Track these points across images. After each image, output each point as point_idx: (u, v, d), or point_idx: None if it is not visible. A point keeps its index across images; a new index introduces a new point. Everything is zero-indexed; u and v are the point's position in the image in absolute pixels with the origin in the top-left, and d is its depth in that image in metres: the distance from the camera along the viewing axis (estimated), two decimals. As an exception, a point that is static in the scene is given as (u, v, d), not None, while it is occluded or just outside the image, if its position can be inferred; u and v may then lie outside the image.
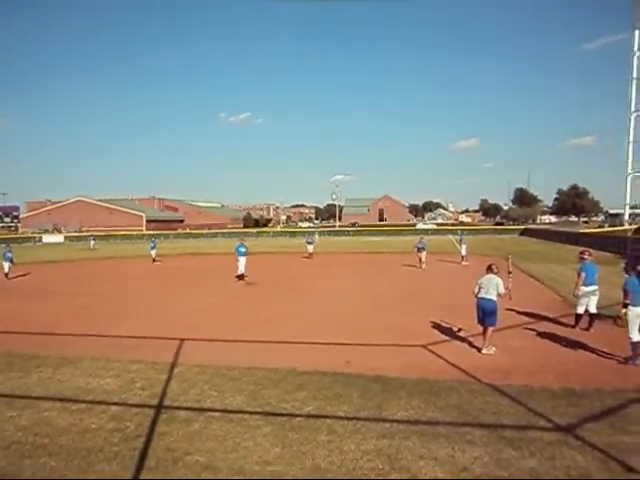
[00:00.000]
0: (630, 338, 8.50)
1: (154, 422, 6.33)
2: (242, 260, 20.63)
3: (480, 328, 9.67)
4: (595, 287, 10.89)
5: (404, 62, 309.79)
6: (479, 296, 9.52)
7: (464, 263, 26.81)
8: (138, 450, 5.52)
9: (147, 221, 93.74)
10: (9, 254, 24.65)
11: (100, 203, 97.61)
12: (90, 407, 6.88)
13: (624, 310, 8.68)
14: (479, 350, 9.43)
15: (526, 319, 12.30)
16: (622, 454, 5.17)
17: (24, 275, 25.27)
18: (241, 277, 20.50)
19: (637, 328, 8.43)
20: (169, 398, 7.18)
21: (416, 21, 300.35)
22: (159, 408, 6.81)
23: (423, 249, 25.52)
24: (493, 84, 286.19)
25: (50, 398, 7.25)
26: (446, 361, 8.84)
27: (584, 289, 10.85)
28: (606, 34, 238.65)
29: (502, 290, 9.42)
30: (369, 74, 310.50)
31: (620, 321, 9.40)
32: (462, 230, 43.28)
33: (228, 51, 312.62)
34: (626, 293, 8.64)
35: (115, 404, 6.97)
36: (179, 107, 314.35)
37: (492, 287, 9.38)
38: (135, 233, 73.58)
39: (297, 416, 6.43)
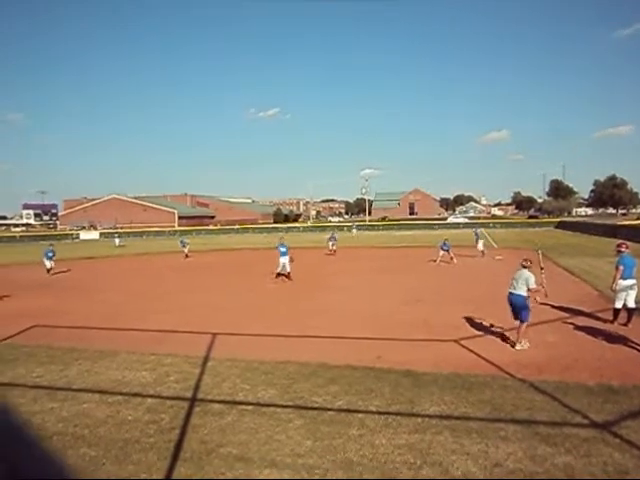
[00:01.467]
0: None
1: (188, 414, 6.46)
2: (284, 259, 20.32)
3: (515, 323, 9.50)
4: (634, 281, 10.51)
5: (434, 58, 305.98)
6: (509, 291, 9.44)
7: (498, 257, 26.36)
8: (173, 442, 5.65)
9: (179, 217, 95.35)
10: (50, 253, 25.55)
11: (134, 200, 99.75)
12: (127, 399, 7.06)
13: None
14: (512, 345, 9.28)
15: (561, 314, 12.04)
16: (662, 452, 5.03)
17: (65, 271, 25.99)
18: (281, 275, 20.34)
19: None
20: (202, 391, 7.32)
21: (446, 19, 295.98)
22: (193, 401, 6.94)
23: (447, 250, 25.15)
24: (524, 74, 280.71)
25: (89, 390, 7.48)
26: (478, 356, 8.73)
27: (622, 283, 10.49)
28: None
29: (532, 285, 9.11)
30: (398, 70, 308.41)
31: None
32: (477, 225, 42.42)
33: (257, 47, 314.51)
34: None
35: (150, 396, 7.15)
36: (210, 104, 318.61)
37: (522, 281, 9.20)
38: (167, 229, 74.87)
39: (328, 410, 6.47)
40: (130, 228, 76.87)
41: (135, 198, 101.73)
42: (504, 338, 9.88)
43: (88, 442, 5.71)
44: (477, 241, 27.91)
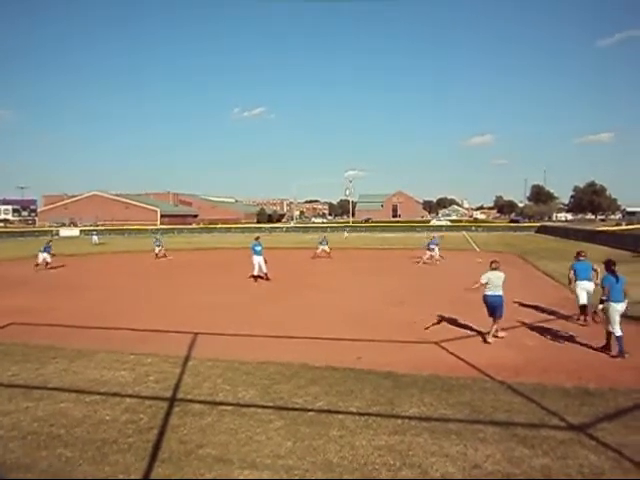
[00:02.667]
0: (613, 333, 8.89)
1: (167, 415, 6.40)
2: (258, 259, 19.57)
3: (490, 322, 9.99)
4: (588, 283, 11.58)
5: (418, 59, 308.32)
6: (489, 293, 9.87)
7: (479, 260, 26.60)
8: (151, 442, 5.59)
9: (161, 216, 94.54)
10: (49, 248, 25.74)
11: (115, 197, 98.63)
12: (104, 399, 6.97)
13: (601, 306, 9.19)
14: (485, 340, 9.96)
15: (540, 317, 12.20)
16: (636, 454, 5.12)
17: (60, 266, 25.40)
18: (257, 277, 19.39)
19: (618, 322, 8.86)
20: (182, 391, 7.25)
21: (430, 19, 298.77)
22: (172, 401, 6.88)
23: (433, 248, 25.32)
24: (507, 80, 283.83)
25: (66, 389, 7.36)
26: (458, 358, 8.81)
27: (579, 283, 11.63)
28: (624, 29, 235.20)
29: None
30: (383, 70, 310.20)
31: (597, 317, 9.91)
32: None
33: (242, 46, 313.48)
34: (604, 290, 9.16)
35: (129, 396, 7.06)
36: (194, 102, 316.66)
37: (500, 282, 9.86)
38: (149, 228, 74.15)
39: (309, 411, 6.46)
40: (111, 225, 75.96)
41: (117, 195, 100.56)
42: (483, 340, 9.98)
43: (64, 442, 5.61)
44: (429, 247, 26.59)
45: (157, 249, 31.32)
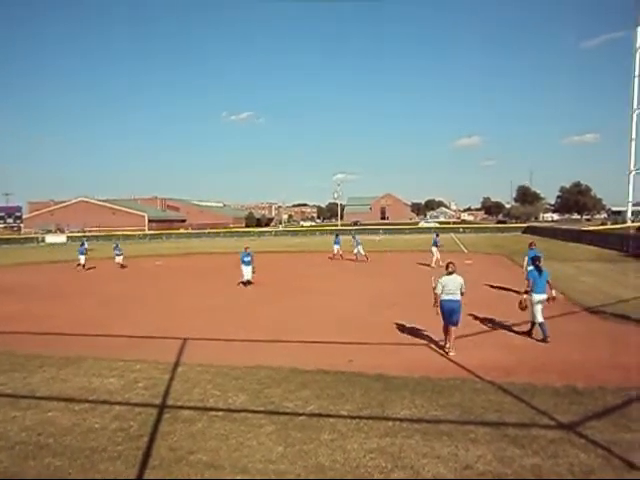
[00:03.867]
0: (536, 320, 10.21)
1: (157, 421, 6.34)
2: (247, 270, 19.67)
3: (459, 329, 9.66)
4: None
5: (405, 60, 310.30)
6: (445, 298, 9.37)
7: (467, 262, 26.77)
8: (142, 449, 5.54)
9: (149, 221, 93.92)
10: (83, 249, 28.65)
11: (103, 203, 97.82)
12: (93, 407, 6.90)
13: (525, 296, 10.36)
14: (447, 352, 9.28)
15: (527, 317, 12.26)
16: (625, 452, 5.17)
17: (92, 268, 25.25)
18: (245, 283, 19.61)
19: (540, 311, 10.15)
20: (172, 398, 7.20)
21: (417, 20, 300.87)
22: (162, 408, 6.83)
23: (436, 245, 25.54)
24: (494, 82, 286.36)
25: (54, 398, 7.28)
26: (449, 359, 8.85)
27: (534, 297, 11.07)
28: (607, 31, 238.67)
29: (464, 289, 9.44)
30: (370, 73, 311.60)
31: (521, 305, 10.40)
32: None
33: (229, 50, 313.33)
34: (528, 282, 10.47)
35: (118, 404, 6.99)
36: (181, 107, 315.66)
37: (457, 287, 9.35)
38: (137, 233, 73.63)
39: (300, 415, 6.44)
40: (99, 232, 75.26)
41: (104, 201, 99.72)
42: (473, 342, 10.02)
43: (53, 451, 5.54)
44: (356, 246, 29.36)
45: (117, 258, 29.13)
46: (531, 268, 10.81)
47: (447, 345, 9.41)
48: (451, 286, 9.35)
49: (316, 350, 9.79)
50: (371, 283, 19.69)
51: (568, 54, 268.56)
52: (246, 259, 19.57)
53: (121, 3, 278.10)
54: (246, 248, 20.25)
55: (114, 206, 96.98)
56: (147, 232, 78.41)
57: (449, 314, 9.34)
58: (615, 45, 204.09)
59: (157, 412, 6.66)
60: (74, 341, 10.92)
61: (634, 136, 59.35)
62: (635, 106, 59.19)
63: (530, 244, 15.80)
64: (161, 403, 6.99)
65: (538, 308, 10.15)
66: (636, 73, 59.06)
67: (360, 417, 6.33)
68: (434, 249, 25.30)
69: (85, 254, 28.62)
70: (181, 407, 6.84)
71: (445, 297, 9.36)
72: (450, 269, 9.52)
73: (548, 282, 10.33)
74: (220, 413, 6.59)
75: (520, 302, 10.44)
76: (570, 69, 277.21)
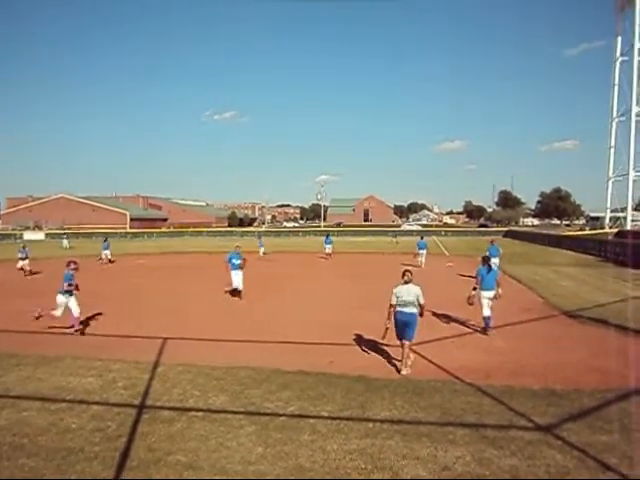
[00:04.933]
0: (483, 313, 10.97)
1: (136, 422, 6.27)
2: (237, 274, 16.40)
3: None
4: (496, 260, 13.04)
5: (389, 62, 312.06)
6: (398, 309, 8.39)
7: (449, 264, 27.03)
8: (119, 450, 5.47)
9: (131, 219, 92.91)
10: (106, 244, 30.51)
11: (83, 200, 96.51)
12: (70, 406, 6.78)
13: (474, 292, 11.03)
14: (399, 371, 8.41)
15: (508, 320, 12.41)
16: (600, 453, 5.26)
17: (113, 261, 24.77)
18: (234, 292, 16.39)
19: (486, 305, 10.92)
20: (151, 398, 7.12)
21: (401, 22, 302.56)
22: (141, 408, 6.75)
23: (423, 249, 25.84)
24: (477, 87, 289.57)
25: (29, 397, 7.14)
26: (429, 361, 8.90)
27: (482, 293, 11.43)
28: (589, 40, 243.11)
29: (423, 300, 8.39)
30: (354, 73, 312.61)
31: (469, 300, 11.02)
32: (445, 232, 43.17)
33: (213, 49, 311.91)
34: (476, 279, 11.17)
35: (96, 403, 6.89)
36: (164, 105, 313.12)
37: (412, 297, 8.33)
38: (119, 231, 72.76)
39: (280, 416, 6.43)
40: (79, 229, 74.18)
41: (85, 198, 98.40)
42: (454, 343, 10.11)
43: (27, 452, 5.44)
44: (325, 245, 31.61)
45: (21, 262, 24.53)
46: (480, 267, 11.34)
47: (404, 359, 8.44)
48: (406, 297, 8.32)
49: (297, 351, 9.77)
50: (351, 284, 19.72)
51: (550, 61, 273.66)
52: (236, 261, 16.03)
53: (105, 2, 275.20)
54: (237, 247, 16.93)
55: (95, 203, 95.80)
56: (129, 230, 77.56)
57: (402, 327, 8.41)
58: (595, 54, 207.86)
59: (136, 412, 6.58)
60: (51, 340, 10.74)
61: (613, 144, 60.63)
62: (614, 114, 60.45)
63: (491, 241, 19.17)
64: (140, 403, 6.91)
65: (484, 302, 10.96)
66: (616, 82, 60.36)
67: (340, 418, 6.33)
68: (422, 252, 25.61)
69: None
70: (160, 407, 6.77)
71: (399, 309, 8.39)
72: (405, 278, 8.53)
73: (497, 280, 11.10)
74: (200, 413, 6.54)
75: (468, 298, 11.09)
76: (552, 76, 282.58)
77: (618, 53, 60.15)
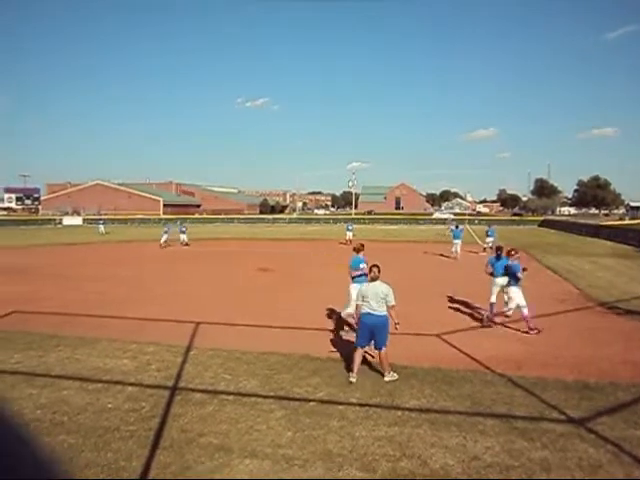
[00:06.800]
0: (490, 299, 11.33)
1: (169, 403, 6.44)
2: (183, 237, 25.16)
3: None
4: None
5: (423, 51, 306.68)
6: (366, 312, 7.36)
7: (482, 254, 26.66)
8: (153, 430, 5.63)
9: (164, 205, 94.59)
10: (183, 228, 33.43)
11: (118, 187, 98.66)
12: (107, 387, 7.01)
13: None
14: (382, 375, 7.45)
15: (542, 311, 12.18)
16: (635, 448, 5.15)
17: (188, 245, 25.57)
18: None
19: (494, 292, 11.35)
20: (184, 380, 7.29)
21: (432, 15, 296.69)
22: (174, 390, 6.92)
23: (458, 237, 25.27)
24: (511, 74, 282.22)
25: (68, 377, 7.41)
26: (460, 351, 8.82)
27: (496, 280, 11.44)
28: (629, 23, 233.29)
29: (393, 301, 7.41)
30: (387, 64, 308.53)
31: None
32: (487, 221, 42.44)
33: (246, 36, 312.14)
34: (487, 267, 11.75)
35: (131, 385, 7.10)
36: (196, 92, 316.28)
37: (380, 298, 7.35)
38: (152, 217, 74.18)
39: (310, 401, 6.50)
40: (114, 215, 75.95)
41: (120, 185, 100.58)
42: (485, 334, 9.99)
43: (67, 429, 5.66)
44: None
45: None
46: (490, 257, 12.11)
47: (353, 374, 7.30)
48: (372, 297, 7.34)
49: (327, 338, 9.82)
50: (383, 273, 19.62)
51: (589, 46, 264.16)
52: (361, 267, 9.90)
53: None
54: (360, 246, 10.62)
55: (130, 190, 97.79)
56: (162, 216, 79.00)
57: (369, 333, 7.34)
58: (634, 38, 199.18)
59: (169, 394, 6.76)
60: (89, 322, 11.08)
61: (656, 130, 58.23)
62: (658, 99, 57.98)
63: (489, 224, 19.70)
64: (173, 385, 7.09)
65: (494, 290, 11.39)
66: (660, 65, 57.77)
67: (369, 405, 6.36)
68: (457, 241, 25.17)
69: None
70: (192, 390, 6.93)
71: (367, 310, 7.35)
72: (372, 274, 7.62)
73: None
74: (231, 397, 6.67)
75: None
76: (589, 62, 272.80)
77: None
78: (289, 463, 4.91)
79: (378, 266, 7.70)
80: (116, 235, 44.47)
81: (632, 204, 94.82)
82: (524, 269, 10.55)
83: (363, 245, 10.57)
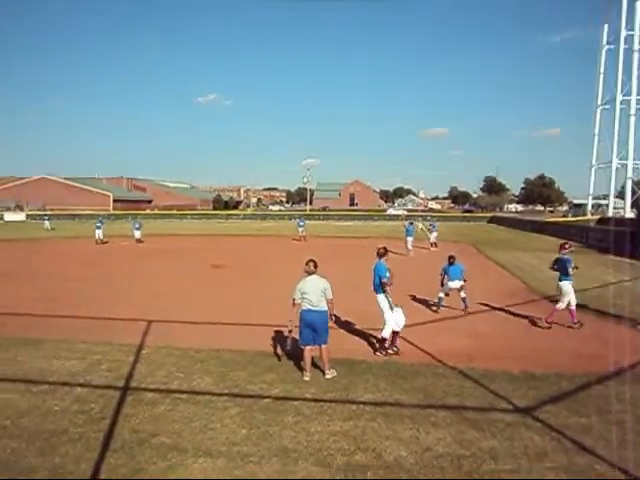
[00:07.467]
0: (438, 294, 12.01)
1: (120, 404, 6.27)
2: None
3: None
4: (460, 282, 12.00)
5: (376, 47, 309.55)
6: (306, 308, 7.26)
7: (433, 249, 27.23)
8: (103, 432, 5.47)
9: (114, 201, 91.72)
10: (137, 224, 32.37)
11: (65, 182, 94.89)
12: (53, 389, 6.75)
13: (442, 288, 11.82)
14: (323, 373, 7.34)
15: (491, 305, 12.58)
16: (577, 435, 5.39)
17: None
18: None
19: (445, 292, 12.00)
20: (135, 380, 7.12)
21: (392, 11, 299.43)
22: (125, 390, 6.74)
23: (411, 233, 25.69)
24: (464, 74, 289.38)
25: (11, 379, 7.09)
26: (412, 345, 8.98)
27: (448, 283, 12.04)
28: (574, 28, 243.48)
29: (330, 295, 7.30)
30: (340, 59, 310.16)
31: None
32: (432, 217, 43.29)
33: (197, 33, 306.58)
34: (442, 276, 12.09)
35: (80, 385, 6.87)
36: (148, 86, 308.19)
37: (319, 293, 7.23)
38: (102, 213, 71.85)
39: (265, 398, 6.47)
40: (61, 210, 73.10)
41: (67, 179, 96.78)
42: (437, 328, 10.21)
43: (9, 434, 5.41)
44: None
45: (98, 233, 29.05)
46: (444, 265, 12.24)
47: (307, 372, 7.25)
48: (311, 292, 7.22)
49: (282, 334, 9.79)
50: (335, 269, 19.74)
51: (536, 49, 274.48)
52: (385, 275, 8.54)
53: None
54: (384, 249, 8.84)
55: (77, 184, 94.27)
56: (112, 212, 76.67)
57: (310, 329, 7.21)
58: (581, 42, 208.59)
59: (120, 394, 6.58)
60: (34, 322, 10.65)
61: (597, 131, 61.11)
62: (599, 102, 60.83)
63: (431, 220, 19.58)
64: (124, 385, 6.91)
65: (445, 289, 12.07)
66: (601, 70, 60.64)
67: (324, 400, 6.39)
68: (410, 238, 25.60)
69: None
70: (144, 389, 6.77)
71: (307, 307, 7.24)
72: (307, 268, 7.44)
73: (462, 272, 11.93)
74: (184, 396, 6.56)
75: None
76: (537, 63, 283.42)
77: (604, 41, 60.35)
78: (244, 460, 4.87)
79: (314, 261, 7.56)
80: (63, 231, 42.87)
81: (575, 201, 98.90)
82: (575, 267, 10.43)
83: (386, 249, 8.73)
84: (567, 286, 10.29)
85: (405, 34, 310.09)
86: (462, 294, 11.94)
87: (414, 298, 13.35)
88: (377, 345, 8.59)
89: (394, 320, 8.30)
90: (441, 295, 12.14)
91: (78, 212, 70.42)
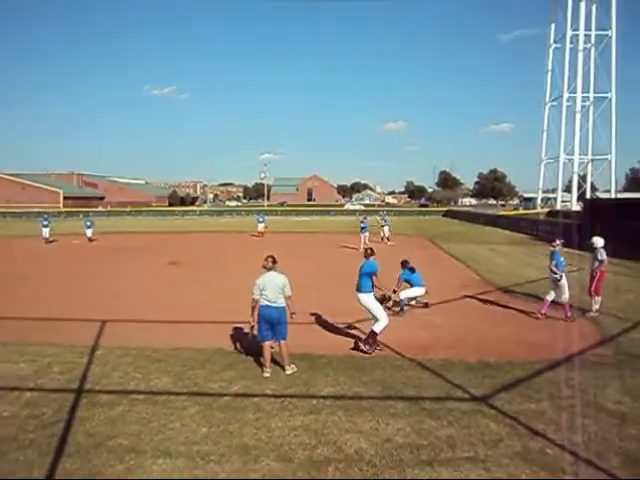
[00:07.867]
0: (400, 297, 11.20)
1: (74, 407, 6.08)
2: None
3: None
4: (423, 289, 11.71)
5: (335, 44, 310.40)
6: (264, 304, 7.25)
7: (390, 243, 27.57)
8: (56, 437, 5.29)
9: (65, 198, 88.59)
10: (89, 222, 30.95)
11: (10, 177, 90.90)
12: (1, 394, 6.48)
13: (393, 295, 10.49)
14: (284, 370, 7.32)
15: (447, 297, 12.85)
16: (529, 420, 5.59)
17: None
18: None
19: (408, 295, 11.35)
20: (90, 382, 6.92)
21: (346, 7, 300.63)
22: (79, 392, 6.54)
23: (366, 229, 25.75)
24: (419, 69, 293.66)
25: (-44, 386, 6.76)
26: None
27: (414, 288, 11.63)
28: (522, 26, 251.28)
29: (289, 292, 7.36)
30: (299, 53, 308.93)
31: (386, 302, 9.71)
32: (384, 212, 43.52)
33: (153, 23, 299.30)
34: (399, 284, 11.31)
35: (30, 390, 6.61)
36: (100, 77, 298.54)
37: (278, 289, 7.27)
38: (51, 210, 69.28)
39: (224, 395, 6.41)
40: (5, 208, 70.10)
41: (13, 175, 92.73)
42: (395, 321, 10.36)
43: (-45, 442, 5.17)
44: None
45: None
46: (402, 271, 11.67)
47: (266, 368, 7.26)
48: (270, 288, 7.23)
49: (241, 331, 9.72)
50: (294, 264, 19.74)
51: (487, 46, 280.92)
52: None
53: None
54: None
55: (24, 181, 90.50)
56: (62, 209, 74.08)
57: (269, 325, 7.25)
58: (531, 40, 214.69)
59: (74, 397, 6.37)
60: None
61: (546, 127, 63.22)
62: (547, 99, 62.94)
63: (364, 218, 22.01)
64: (78, 388, 6.70)
65: (409, 293, 11.41)
66: (549, 67, 62.73)
67: (285, 396, 6.39)
68: (365, 234, 25.75)
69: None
70: (100, 391, 6.59)
71: (265, 303, 7.24)
72: (267, 264, 7.42)
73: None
74: (142, 396, 6.42)
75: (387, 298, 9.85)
76: (488, 61, 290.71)
77: (552, 40, 62.40)
78: (204, 459, 4.82)
79: (273, 257, 7.55)
80: (7, 230, 41.15)
81: (525, 195, 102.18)
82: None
83: (373, 250, 9.25)
84: (563, 281, 10.44)
85: (358, 30, 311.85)
86: (425, 299, 11.77)
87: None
88: (370, 340, 8.33)
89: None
90: (402, 299, 11.36)
91: (26, 210, 67.62)
